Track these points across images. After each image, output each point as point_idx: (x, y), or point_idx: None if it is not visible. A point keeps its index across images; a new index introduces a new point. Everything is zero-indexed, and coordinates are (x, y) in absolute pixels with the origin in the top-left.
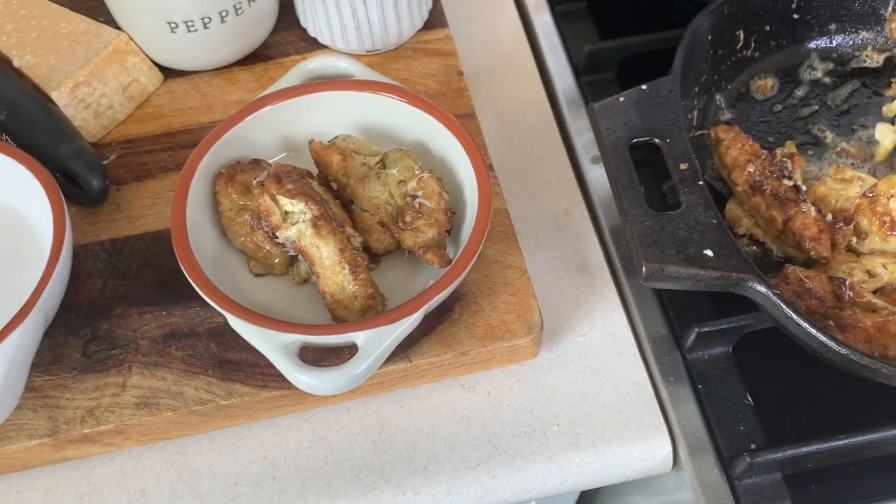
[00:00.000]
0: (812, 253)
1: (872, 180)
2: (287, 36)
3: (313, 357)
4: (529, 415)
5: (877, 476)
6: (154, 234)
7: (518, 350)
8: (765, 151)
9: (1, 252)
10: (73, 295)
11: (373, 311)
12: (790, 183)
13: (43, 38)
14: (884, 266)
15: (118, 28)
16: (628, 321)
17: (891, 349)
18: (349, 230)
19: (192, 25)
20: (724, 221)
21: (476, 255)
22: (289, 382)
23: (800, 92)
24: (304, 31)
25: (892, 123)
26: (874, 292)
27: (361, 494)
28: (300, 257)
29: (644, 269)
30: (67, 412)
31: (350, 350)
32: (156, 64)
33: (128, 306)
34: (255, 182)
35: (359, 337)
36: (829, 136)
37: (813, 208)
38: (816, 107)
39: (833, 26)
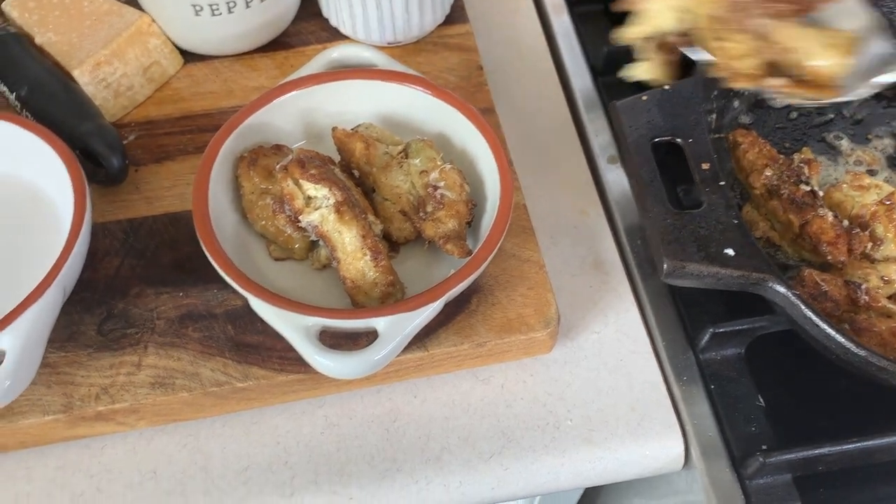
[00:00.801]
0: (829, 257)
1: (889, 188)
2: (308, 25)
3: (330, 344)
4: (543, 409)
5: (886, 480)
6: (172, 215)
7: (534, 343)
8: (782, 156)
9: (19, 227)
10: (89, 273)
11: (392, 298)
12: (807, 188)
13: (65, 17)
14: None
15: (141, 9)
16: (642, 320)
17: None
18: (371, 217)
19: (217, 9)
20: (744, 222)
21: (498, 246)
22: (306, 367)
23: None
24: (326, 20)
25: None
26: (888, 298)
27: (374, 482)
28: (321, 242)
29: (665, 265)
30: (82, 389)
31: (367, 338)
32: (177, 47)
33: (144, 286)
34: (278, 166)
35: (379, 323)
36: (845, 144)
37: (830, 213)
38: (832, 115)
39: None
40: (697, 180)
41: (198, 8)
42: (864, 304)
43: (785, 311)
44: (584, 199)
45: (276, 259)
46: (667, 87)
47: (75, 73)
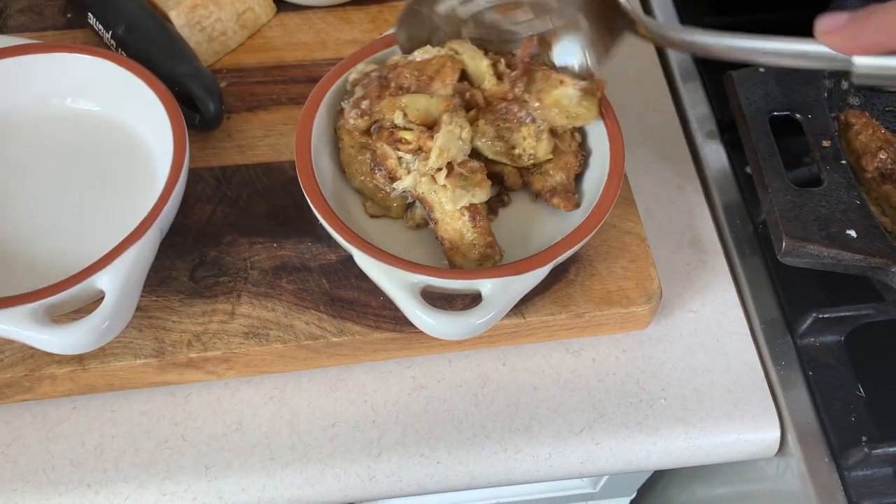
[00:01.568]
0: None
1: None
2: None
3: None
4: (636, 386)
5: None
6: (265, 165)
7: (632, 318)
8: None
9: (112, 167)
10: (180, 218)
11: (490, 260)
12: None
13: None
14: None
15: None
16: (740, 301)
17: None
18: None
19: None
20: (867, 203)
21: (609, 213)
22: (400, 326)
23: None
24: None
25: None
26: None
27: (462, 446)
28: (418, 203)
29: (784, 243)
30: (174, 335)
31: (463, 301)
32: None
33: (237, 235)
34: (372, 128)
35: (485, 285)
36: None
37: None
38: None
39: None
40: (818, 158)
41: None
42: None
43: None
44: (681, 174)
45: (372, 216)
46: None
47: (171, 15)
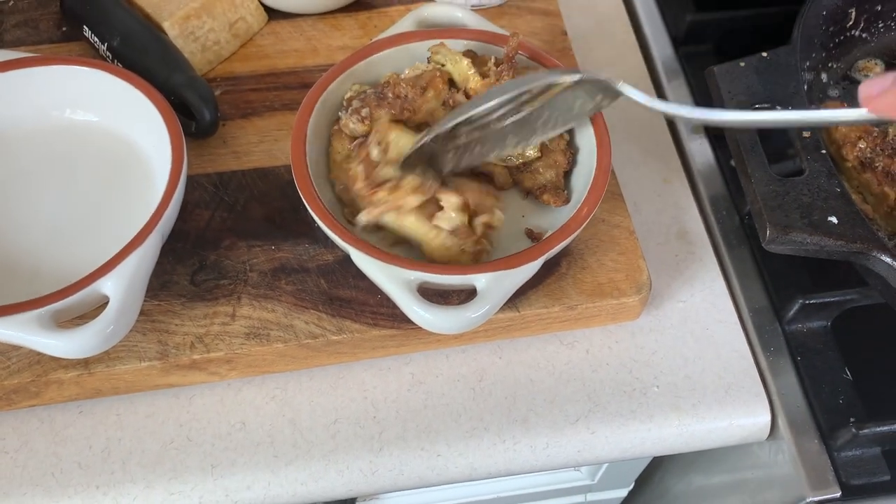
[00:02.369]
0: None
1: None
2: None
3: None
4: (629, 375)
5: None
6: (261, 170)
7: (624, 309)
8: (875, 129)
9: (110, 175)
10: (179, 224)
11: (484, 253)
12: None
13: None
14: None
15: None
16: (728, 290)
17: None
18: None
19: None
20: (847, 190)
21: (598, 205)
22: (398, 322)
23: None
24: None
25: None
26: None
27: (461, 439)
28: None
29: (769, 231)
30: (177, 337)
31: (458, 297)
32: (262, 4)
33: (236, 239)
34: (351, 146)
35: (479, 280)
36: None
37: None
38: None
39: None
40: (798, 148)
41: None
42: None
43: (886, 282)
44: (667, 168)
45: (349, 222)
46: (764, 54)
47: (165, 25)
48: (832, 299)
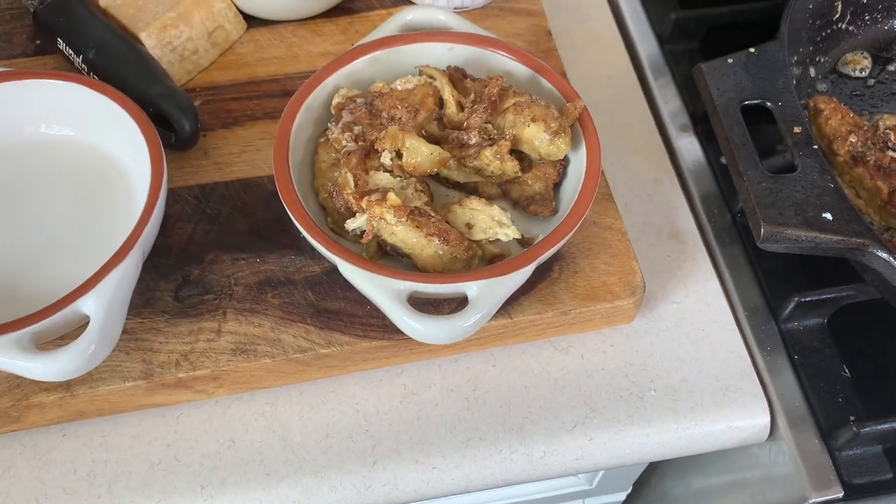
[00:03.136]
0: None
1: None
2: None
3: None
4: (625, 379)
5: None
6: (244, 181)
7: (618, 312)
8: (866, 123)
9: (89, 191)
10: (161, 238)
11: (476, 259)
12: (894, 154)
13: None
14: None
15: None
16: (723, 290)
17: None
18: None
19: None
20: (840, 185)
21: (588, 209)
22: (388, 333)
23: (892, 68)
24: None
25: None
26: None
27: (456, 450)
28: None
29: (763, 230)
30: (161, 356)
31: (450, 306)
32: (241, 12)
33: (220, 252)
34: (338, 154)
35: (471, 287)
36: None
37: None
38: None
39: None
40: (790, 144)
41: None
42: None
43: (883, 277)
44: (657, 167)
45: (333, 232)
46: (752, 49)
47: (142, 36)
48: (828, 296)
